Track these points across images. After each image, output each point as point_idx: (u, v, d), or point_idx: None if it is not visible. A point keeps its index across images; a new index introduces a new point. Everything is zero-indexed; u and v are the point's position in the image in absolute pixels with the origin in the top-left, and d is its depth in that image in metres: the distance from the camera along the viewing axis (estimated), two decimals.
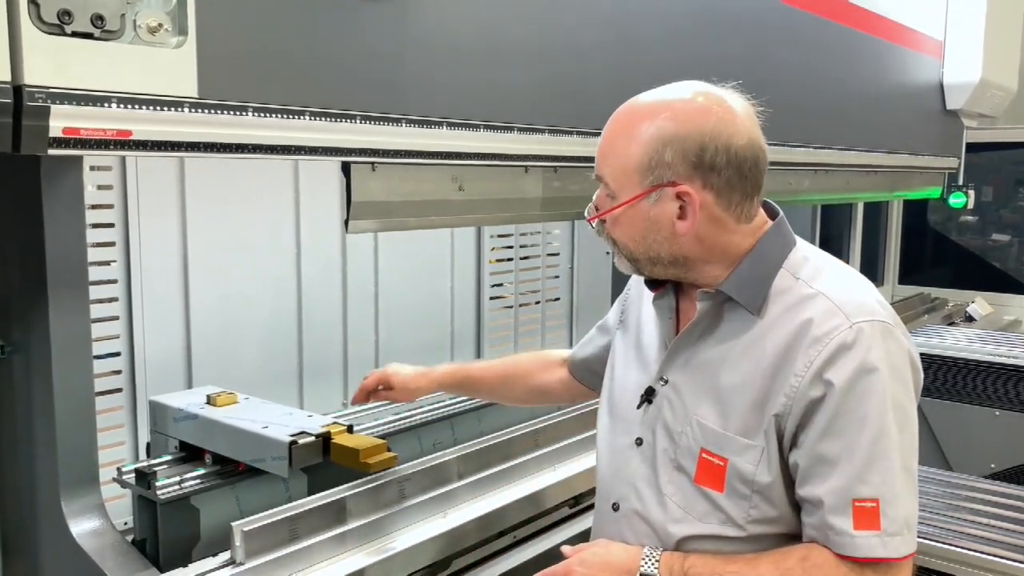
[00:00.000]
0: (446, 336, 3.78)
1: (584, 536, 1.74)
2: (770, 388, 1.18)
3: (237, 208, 2.81)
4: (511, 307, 4.04)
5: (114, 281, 2.70)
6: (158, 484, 1.60)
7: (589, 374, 1.60)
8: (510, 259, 4.00)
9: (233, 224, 2.81)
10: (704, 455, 1.22)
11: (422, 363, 3.67)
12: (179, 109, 1.11)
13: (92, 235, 2.65)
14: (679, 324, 1.33)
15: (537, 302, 4.22)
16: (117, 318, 2.74)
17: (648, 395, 1.32)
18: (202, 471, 1.68)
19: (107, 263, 2.68)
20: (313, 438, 1.60)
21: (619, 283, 4.65)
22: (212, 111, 1.15)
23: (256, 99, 1.20)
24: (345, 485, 1.44)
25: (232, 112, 1.17)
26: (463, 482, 1.60)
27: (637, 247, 1.27)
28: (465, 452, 1.67)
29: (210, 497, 1.68)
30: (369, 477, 1.51)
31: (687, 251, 1.24)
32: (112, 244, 2.63)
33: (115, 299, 2.70)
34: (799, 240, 1.30)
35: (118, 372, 2.82)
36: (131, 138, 1.07)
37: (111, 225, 2.62)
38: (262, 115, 1.21)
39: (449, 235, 3.66)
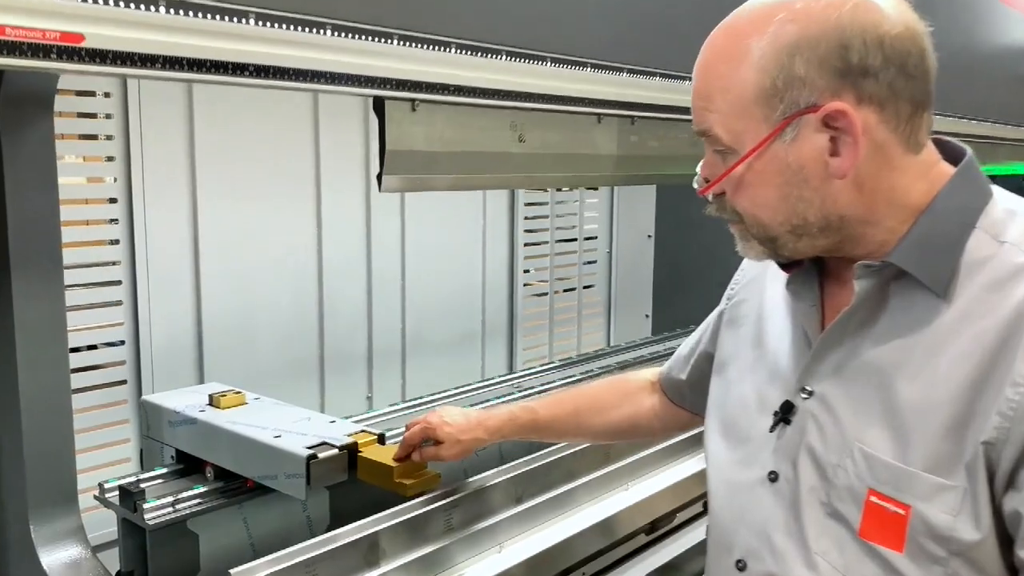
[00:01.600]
0: (477, 325, 3.52)
1: (666, 572, 1.42)
2: (974, 403, 0.85)
3: (252, 191, 2.57)
4: (545, 294, 3.77)
5: (116, 263, 2.47)
6: (147, 506, 1.29)
7: (694, 395, 1.27)
8: (545, 242, 3.73)
9: (248, 207, 2.58)
10: (873, 498, 0.89)
11: (453, 355, 3.44)
12: (154, 8, 0.80)
13: (92, 212, 2.43)
14: (823, 315, 1.01)
15: (572, 288, 3.95)
16: (120, 303, 2.50)
17: (785, 413, 0.99)
18: (202, 488, 1.38)
19: (109, 243, 2.46)
20: (336, 451, 1.29)
21: (663, 268, 4.34)
22: (200, 14, 0.83)
23: (261, 1, 0.89)
24: (376, 516, 1.12)
25: (228, 18, 0.86)
26: (521, 507, 1.29)
27: (775, 215, 0.93)
28: (523, 470, 1.35)
29: (211, 520, 1.38)
30: (406, 504, 1.19)
31: (844, 206, 0.91)
32: (115, 221, 2.42)
33: (118, 282, 2.47)
34: (996, 188, 0.95)
35: (121, 363, 2.58)
36: (83, 45, 0.76)
37: (114, 201, 2.40)
38: (268, 24, 0.89)
39: (481, 215, 3.40)
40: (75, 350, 2.39)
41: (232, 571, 1.08)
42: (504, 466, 1.35)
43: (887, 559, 0.88)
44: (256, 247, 2.69)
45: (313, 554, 1.05)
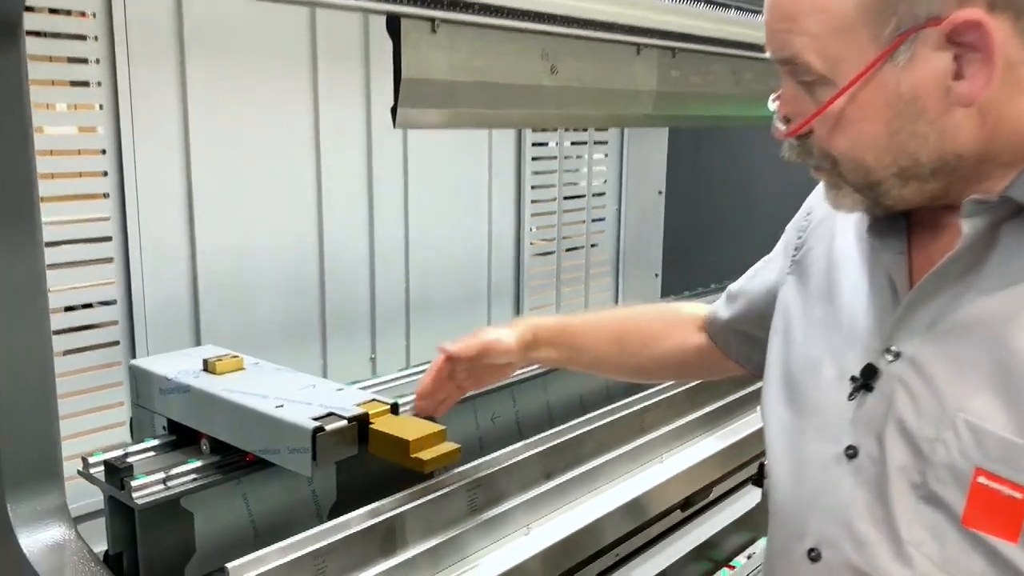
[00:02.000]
0: (482, 285, 3.41)
1: (704, 551, 1.30)
2: None
3: (246, 144, 2.45)
4: (552, 253, 3.65)
5: (106, 219, 2.35)
6: (135, 484, 1.16)
7: (739, 342, 1.14)
8: (552, 199, 3.60)
9: (242, 161, 2.45)
10: (982, 479, 0.76)
11: (458, 315, 3.32)
12: None
13: (80, 163, 2.30)
14: (912, 265, 0.87)
15: (580, 247, 3.83)
16: (111, 260, 2.38)
17: (866, 378, 0.86)
18: (196, 463, 1.25)
19: (97, 196, 2.33)
20: (345, 423, 1.16)
21: (674, 226, 4.20)
22: None
23: None
24: (392, 499, 0.99)
25: None
26: (550, 484, 1.16)
27: (880, 156, 0.79)
28: (552, 444, 1.22)
29: (207, 498, 1.25)
30: (424, 484, 1.06)
31: (964, 141, 0.77)
32: (104, 174, 2.29)
33: (108, 238, 2.35)
34: None
35: (114, 323, 2.47)
36: None
37: (102, 152, 2.27)
38: None
39: (486, 172, 3.27)
40: (68, 309, 2.29)
41: (229, 566, 0.94)
42: (531, 439, 1.21)
43: (998, 551, 0.75)
44: (252, 203, 2.57)
45: (322, 544, 0.92)
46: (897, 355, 0.84)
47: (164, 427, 1.37)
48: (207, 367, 1.36)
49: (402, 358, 3.16)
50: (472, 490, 1.05)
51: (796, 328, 0.97)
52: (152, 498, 1.16)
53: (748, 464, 1.44)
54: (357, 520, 0.96)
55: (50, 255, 2.20)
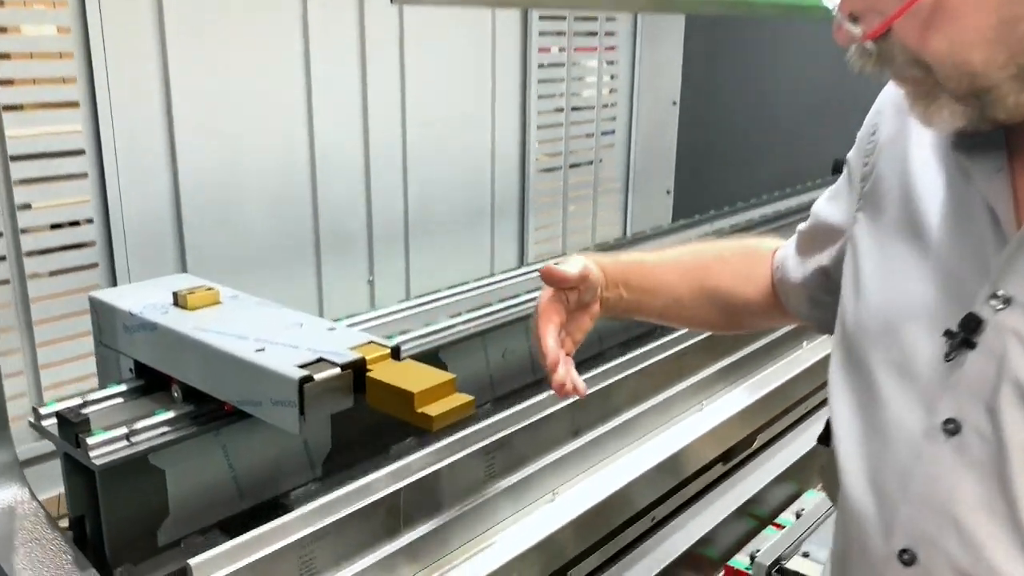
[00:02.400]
0: (486, 203, 3.24)
1: (746, 507, 1.14)
2: None
3: (231, 48, 2.24)
4: (559, 169, 3.46)
5: (78, 131, 2.17)
6: (92, 441, 0.99)
7: (802, 299, 0.95)
8: (559, 109, 3.39)
9: (227, 66, 2.25)
10: None
11: (459, 234, 3.14)
12: None
13: (48, 68, 2.10)
14: (1017, 187, 0.67)
15: (588, 162, 3.64)
16: (85, 175, 2.21)
17: (967, 332, 0.67)
18: (167, 413, 1.07)
19: (67, 105, 2.14)
20: (338, 370, 0.98)
21: (688, 139, 4.01)
22: None
23: None
24: (395, 467, 0.81)
25: None
26: (579, 442, 0.98)
27: (992, 55, 0.60)
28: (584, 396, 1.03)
29: (181, 453, 1.09)
30: (432, 448, 0.88)
31: None
32: (73, 80, 2.10)
33: (81, 151, 2.17)
34: None
35: (92, 244, 2.30)
36: None
37: (69, 55, 2.07)
38: None
39: (489, 79, 3.06)
40: (54, 227, 2.11)
41: (192, 562, 0.77)
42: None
43: None
44: (238, 114, 2.37)
45: (307, 531, 0.74)
46: (1007, 301, 0.65)
47: (131, 370, 1.19)
48: (177, 301, 1.17)
49: (402, 280, 3.00)
50: (491, 454, 0.88)
51: (870, 274, 0.77)
52: (113, 457, 0.99)
53: (797, 405, 1.28)
54: (353, 498, 0.78)
55: (17, 170, 2.02)
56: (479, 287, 1.61)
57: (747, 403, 1.18)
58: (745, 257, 1.00)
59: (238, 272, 2.49)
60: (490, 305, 1.47)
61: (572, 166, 3.50)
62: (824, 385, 1.46)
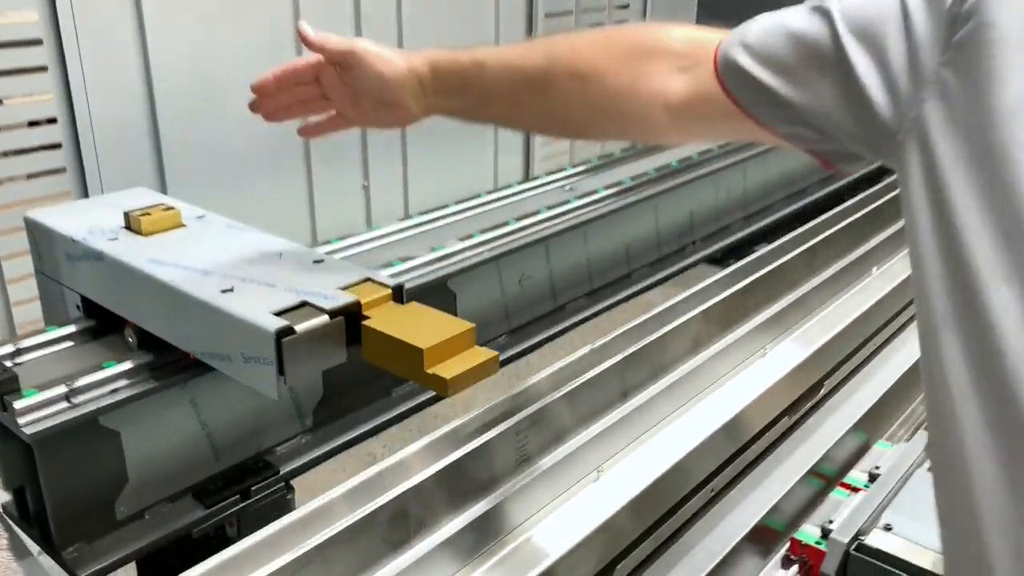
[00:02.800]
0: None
1: (819, 467, 0.96)
2: None
3: None
4: (570, 13, 3.21)
5: (33, 21, 1.93)
6: (20, 405, 0.79)
7: (770, 107, 0.65)
8: None
9: None
10: None
11: (464, 136, 2.91)
12: None
13: None
14: None
15: (602, 8, 3.39)
16: (44, 69, 1.99)
17: None
18: (117, 367, 0.88)
19: None
20: (326, 318, 0.77)
21: None
22: None
23: None
24: (401, 456, 0.60)
25: None
26: (627, 407, 0.78)
27: None
28: (632, 349, 0.81)
29: (139, 411, 0.89)
30: (451, 427, 0.67)
31: None
32: None
33: (38, 41, 1.93)
34: None
35: (56, 146, 2.09)
36: None
37: None
38: None
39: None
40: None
41: None
42: (602, 341, 0.82)
43: None
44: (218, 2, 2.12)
45: (288, 558, 0.54)
46: None
47: (78, 306, 0.99)
48: (129, 224, 0.96)
49: (400, 185, 2.79)
50: (523, 432, 0.68)
51: (979, 193, 0.53)
52: (48, 424, 0.80)
53: (866, 343, 1.09)
54: (352, 499, 0.58)
55: None
56: (487, 203, 1.40)
57: (817, 344, 0.98)
58: (638, 39, 0.73)
59: (222, 180, 2.28)
60: (506, 224, 1.26)
61: (585, 11, 3.25)
62: (896, 317, 1.28)
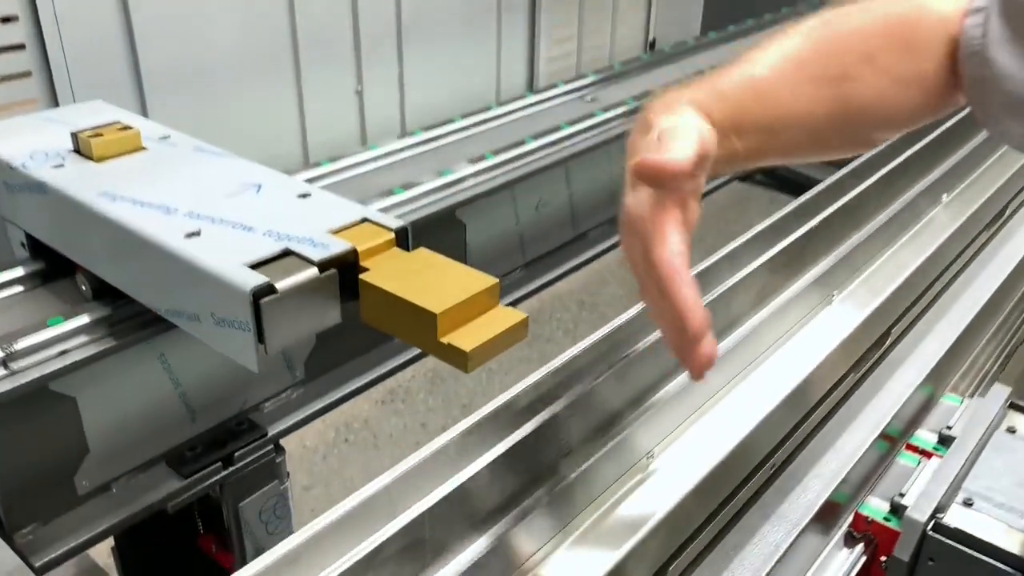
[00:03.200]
0: None
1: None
2: None
3: None
4: None
5: None
6: None
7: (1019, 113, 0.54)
8: None
9: None
10: None
11: (460, 34, 2.71)
12: None
13: None
14: None
15: None
16: None
17: None
18: (69, 323, 0.73)
19: None
20: (314, 272, 0.62)
21: None
22: None
23: None
24: (415, 461, 0.47)
25: None
26: (678, 380, 0.64)
27: None
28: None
29: (97, 373, 0.76)
30: (478, 417, 0.53)
31: None
32: None
33: None
34: None
35: (20, 47, 1.89)
36: None
37: None
38: None
39: None
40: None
41: None
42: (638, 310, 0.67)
43: None
44: None
45: None
46: None
47: (23, 244, 0.84)
48: (79, 147, 0.80)
49: (395, 89, 2.60)
50: (567, 418, 0.54)
51: None
52: None
53: (933, 284, 0.94)
54: (358, 527, 0.44)
55: None
56: (498, 116, 1.23)
57: (889, 289, 0.84)
58: (904, 48, 0.59)
59: (202, 86, 2.10)
60: (522, 143, 1.10)
61: None
62: (963, 252, 1.14)
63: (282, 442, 0.92)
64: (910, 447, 0.90)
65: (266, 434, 0.89)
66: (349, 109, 2.53)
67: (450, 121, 1.16)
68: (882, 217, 0.94)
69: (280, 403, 0.92)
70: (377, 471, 0.50)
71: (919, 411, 0.91)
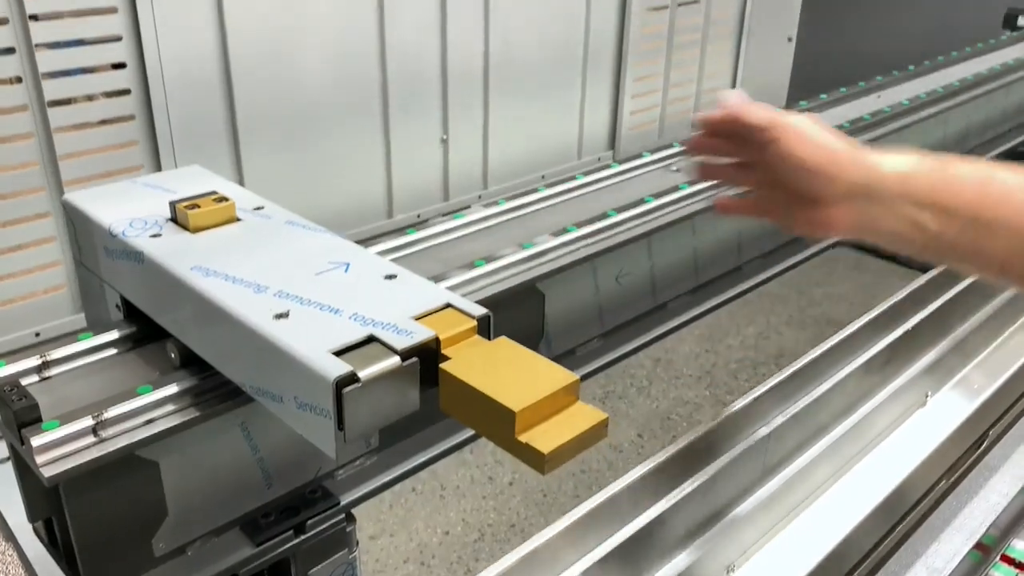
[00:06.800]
0: (578, 45, 2.82)
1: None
2: None
3: None
4: (665, 8, 2.98)
5: None
6: (39, 442, 0.67)
7: None
8: None
9: None
10: None
11: (545, 85, 2.74)
12: None
13: None
14: None
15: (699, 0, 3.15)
16: (115, 10, 1.89)
17: None
18: (156, 393, 0.75)
19: None
20: (397, 360, 0.63)
21: None
22: None
23: None
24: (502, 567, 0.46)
25: None
26: (770, 486, 0.62)
27: None
28: (785, 417, 0.63)
29: (182, 438, 0.77)
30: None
31: None
32: None
33: None
34: None
35: (126, 92, 1.99)
36: None
37: None
38: None
39: None
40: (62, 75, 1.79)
41: None
42: (741, 404, 0.64)
43: None
44: None
45: None
46: None
47: (118, 306, 0.86)
48: (176, 216, 0.82)
49: (480, 138, 2.63)
50: (640, 539, 0.52)
51: None
52: (71, 464, 0.68)
53: None
54: None
55: (34, 4, 1.68)
56: (581, 186, 1.23)
57: (988, 391, 0.80)
58: None
59: (296, 130, 2.17)
60: (605, 216, 1.09)
61: (679, 5, 3.01)
62: None
63: (355, 510, 0.92)
64: (1005, 559, 0.85)
65: (338, 503, 0.89)
66: (434, 155, 2.59)
67: (534, 191, 1.16)
68: (978, 316, 0.90)
69: (353, 471, 0.93)
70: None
71: (1016, 520, 0.87)
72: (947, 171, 0.55)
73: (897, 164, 0.59)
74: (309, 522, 0.87)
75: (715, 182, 0.75)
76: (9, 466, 0.76)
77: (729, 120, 0.72)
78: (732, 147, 0.73)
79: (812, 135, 0.65)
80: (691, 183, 1.18)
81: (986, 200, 0.53)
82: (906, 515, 0.75)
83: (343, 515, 0.90)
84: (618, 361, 1.18)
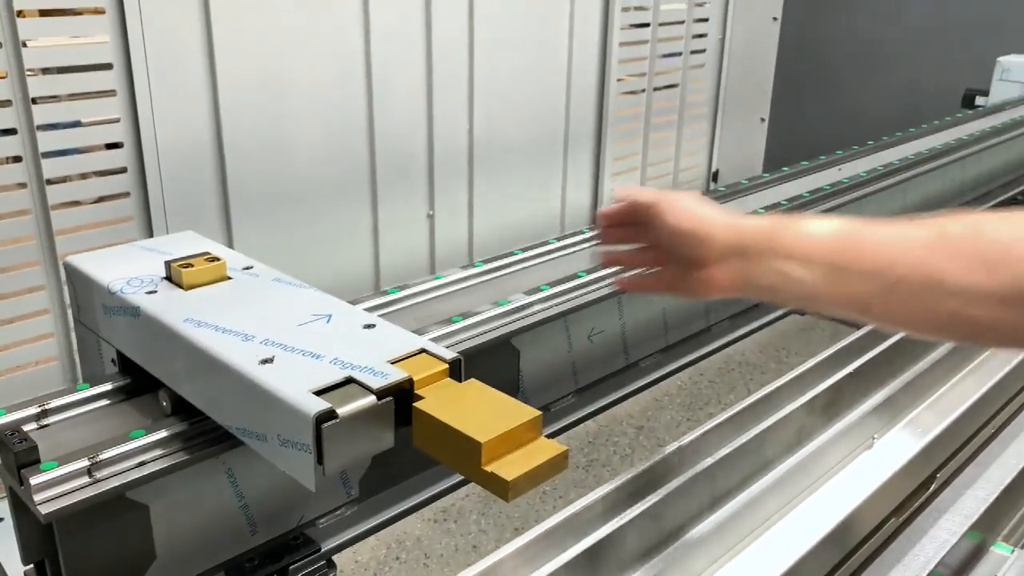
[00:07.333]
0: (559, 126, 2.94)
1: None
2: None
3: None
4: (643, 91, 3.12)
5: (104, 42, 1.92)
6: (37, 481, 0.72)
7: None
8: (645, 24, 3.03)
9: None
10: None
11: (528, 163, 2.84)
12: None
13: None
14: None
15: (675, 85, 3.28)
16: (113, 92, 1.97)
17: None
18: (148, 437, 0.80)
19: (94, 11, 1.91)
20: (372, 399, 0.68)
21: (790, 60, 3.56)
22: None
23: None
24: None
25: None
26: (718, 515, 0.66)
27: None
28: (731, 448, 0.68)
29: (171, 482, 0.81)
30: (516, 545, 0.58)
31: None
32: None
33: (108, 65, 1.92)
34: None
35: (122, 170, 2.06)
36: None
37: None
38: None
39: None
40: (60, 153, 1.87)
41: None
42: (690, 438, 0.69)
43: None
44: (285, 30, 2.08)
45: None
46: None
47: (113, 361, 0.92)
48: (171, 275, 0.88)
49: (465, 213, 2.72)
50: (588, 562, 0.56)
51: None
52: (67, 503, 0.72)
53: (983, 428, 0.94)
54: None
55: (36, 87, 1.77)
56: (556, 249, 1.30)
57: (936, 431, 0.85)
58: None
59: (287, 205, 2.25)
60: (575, 277, 1.16)
61: (655, 89, 3.14)
62: (1017, 395, 1.14)
63: (335, 557, 0.95)
64: None
65: (319, 549, 0.93)
66: (420, 230, 2.66)
67: (511, 254, 1.23)
68: (924, 362, 0.96)
69: (335, 520, 0.97)
70: None
71: (967, 560, 0.91)
72: (808, 225, 0.63)
73: (764, 224, 0.68)
74: (291, 567, 0.90)
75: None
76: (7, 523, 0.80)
77: (626, 208, 0.83)
78: (631, 233, 0.84)
79: (690, 206, 0.76)
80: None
81: (843, 248, 0.60)
82: (855, 550, 0.80)
83: (324, 561, 0.93)
84: (592, 416, 1.23)
